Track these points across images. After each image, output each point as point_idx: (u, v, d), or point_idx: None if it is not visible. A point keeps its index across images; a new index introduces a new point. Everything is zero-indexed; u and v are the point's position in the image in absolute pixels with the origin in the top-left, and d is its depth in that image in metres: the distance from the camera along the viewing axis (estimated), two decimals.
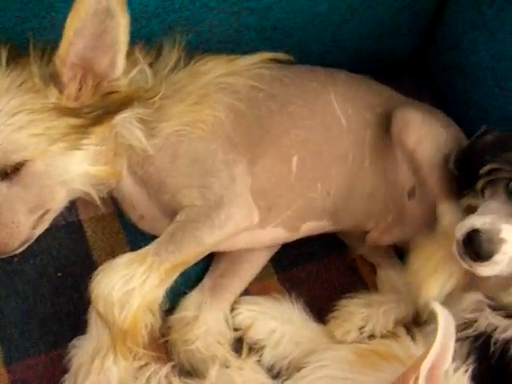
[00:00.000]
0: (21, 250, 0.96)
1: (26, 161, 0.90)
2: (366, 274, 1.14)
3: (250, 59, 1.04)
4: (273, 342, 1.01)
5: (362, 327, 1.00)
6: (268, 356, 1.00)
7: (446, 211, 1.00)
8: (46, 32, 0.97)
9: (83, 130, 0.91)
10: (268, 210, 1.00)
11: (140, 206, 1.01)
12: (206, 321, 0.99)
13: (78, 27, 0.86)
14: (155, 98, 0.95)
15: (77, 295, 1.00)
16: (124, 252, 1.01)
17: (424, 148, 1.02)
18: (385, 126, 1.06)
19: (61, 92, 0.91)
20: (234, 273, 1.05)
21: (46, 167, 0.91)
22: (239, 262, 1.06)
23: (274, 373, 0.99)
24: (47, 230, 0.99)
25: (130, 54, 0.94)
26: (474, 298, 0.94)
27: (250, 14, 1.12)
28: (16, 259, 1.01)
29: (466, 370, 0.89)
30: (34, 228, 0.95)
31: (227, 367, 0.96)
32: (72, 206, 1.05)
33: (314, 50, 1.21)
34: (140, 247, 1.01)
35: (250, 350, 1.00)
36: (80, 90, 0.92)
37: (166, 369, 0.91)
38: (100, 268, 0.89)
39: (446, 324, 0.78)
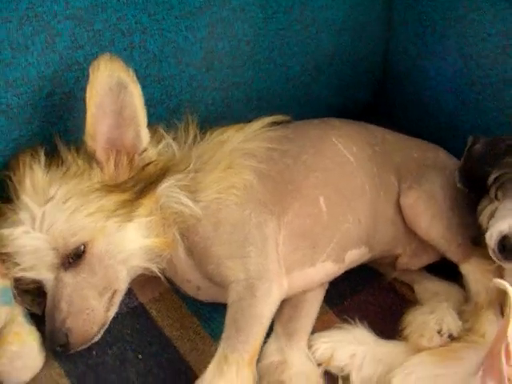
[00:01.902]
0: (99, 336, 0.98)
1: (86, 242, 0.94)
2: (406, 292, 1.20)
3: (256, 125, 1.13)
4: (357, 365, 1.03)
5: (440, 330, 1.04)
6: (356, 380, 1.02)
7: (471, 271, 1.10)
8: (70, 134, 1.03)
9: (131, 204, 0.97)
10: (313, 248, 1.07)
11: (194, 277, 1.05)
12: (294, 362, 1.01)
13: (98, 103, 0.94)
14: (189, 167, 1.03)
15: (162, 373, 0.99)
16: (192, 322, 1.06)
17: (436, 229, 1.12)
18: (387, 165, 1.16)
19: (102, 170, 0.98)
20: (299, 315, 1.08)
21: (106, 246, 0.96)
22: (300, 304, 1.09)
23: None
24: (114, 320, 1.01)
25: (153, 131, 1.03)
26: None
27: (237, 88, 1.23)
28: (94, 352, 1.00)
29: None
30: (107, 311, 0.98)
31: None
32: (130, 292, 1.07)
33: (292, 110, 1.31)
34: (204, 315, 1.06)
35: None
36: (117, 167, 0.99)
37: None
38: None
39: None
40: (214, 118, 1.21)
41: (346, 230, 1.09)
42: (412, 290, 1.20)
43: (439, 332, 1.05)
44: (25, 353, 0.93)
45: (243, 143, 1.09)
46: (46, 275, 0.95)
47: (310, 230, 1.07)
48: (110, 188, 0.96)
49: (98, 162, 0.98)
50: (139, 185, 0.98)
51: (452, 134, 1.35)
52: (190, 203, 1.00)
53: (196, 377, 0.94)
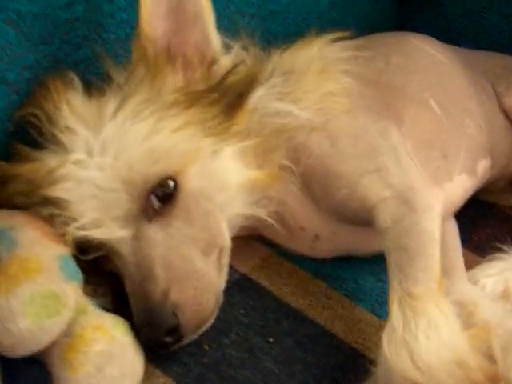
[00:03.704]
0: (215, 313, 0.60)
1: (176, 174, 0.59)
2: None
3: (322, 40, 0.79)
4: None
5: None
6: None
7: None
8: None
9: (222, 119, 0.63)
10: (444, 159, 0.77)
11: (311, 221, 0.70)
12: (474, 301, 0.67)
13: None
14: (275, 74, 0.71)
15: (309, 354, 0.61)
16: (318, 286, 0.72)
17: None
18: (475, 69, 0.90)
19: (173, 80, 0.64)
20: (446, 249, 0.73)
21: (202, 181, 0.61)
22: (443, 237, 0.74)
23: None
24: None
25: None
26: None
27: (275, 18, 0.93)
28: (206, 346, 0.60)
29: None
30: (218, 275, 0.61)
31: None
32: None
33: None
34: (329, 275, 0.73)
35: None
36: (189, 79, 0.65)
37: None
38: (386, 345, 0.56)
39: None
40: None
41: (470, 136, 0.81)
42: None
43: None
44: (117, 354, 0.52)
45: (322, 52, 0.76)
46: (119, 232, 0.57)
47: (435, 137, 0.77)
48: (190, 100, 0.61)
49: (166, 69, 0.63)
50: (225, 98, 0.63)
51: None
52: (294, 109, 0.66)
53: (351, 348, 0.63)
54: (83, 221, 0.55)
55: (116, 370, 0.52)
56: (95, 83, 0.64)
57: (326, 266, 0.72)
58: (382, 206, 0.63)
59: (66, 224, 0.55)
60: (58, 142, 0.58)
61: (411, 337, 0.54)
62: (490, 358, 0.55)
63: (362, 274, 0.72)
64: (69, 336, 0.52)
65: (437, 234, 0.62)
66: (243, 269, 0.70)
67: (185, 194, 0.59)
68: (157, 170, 0.57)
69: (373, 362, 0.59)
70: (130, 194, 0.56)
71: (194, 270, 0.57)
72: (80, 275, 0.55)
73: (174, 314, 0.55)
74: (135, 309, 0.56)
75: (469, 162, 0.79)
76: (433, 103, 0.78)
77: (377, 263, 0.74)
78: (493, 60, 0.95)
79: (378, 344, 0.63)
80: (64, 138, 0.58)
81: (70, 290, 0.52)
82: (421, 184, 0.67)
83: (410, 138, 0.73)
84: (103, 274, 0.61)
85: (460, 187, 0.77)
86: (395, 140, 0.70)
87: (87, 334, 0.52)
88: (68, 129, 0.58)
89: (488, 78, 0.90)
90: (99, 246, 0.57)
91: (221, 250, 0.61)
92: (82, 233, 0.55)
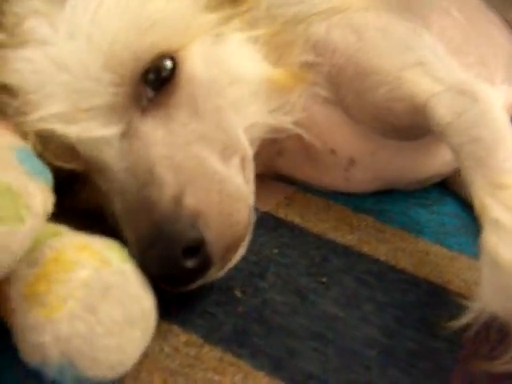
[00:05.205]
0: (250, 229, 0.40)
1: (175, 53, 0.40)
2: None
3: None
4: None
5: None
6: None
7: None
8: None
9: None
10: (483, 65, 0.62)
11: (344, 140, 0.53)
12: None
13: None
14: None
15: (379, 294, 0.42)
16: (363, 220, 0.54)
17: None
18: None
19: None
20: None
21: (207, 65, 0.43)
22: None
23: None
24: None
25: None
26: None
27: None
28: (238, 292, 0.40)
29: None
30: (246, 183, 0.42)
31: None
32: None
33: None
34: (372, 209, 0.54)
35: None
36: None
37: None
38: (495, 246, 0.37)
39: None
40: None
41: (503, 46, 0.67)
42: None
43: None
44: (116, 286, 0.32)
45: None
46: (102, 129, 0.37)
47: (466, 44, 0.62)
48: None
49: None
50: None
51: None
52: None
53: (429, 282, 0.45)
54: (42, 113, 0.36)
55: (117, 310, 0.31)
56: None
57: (366, 200, 0.54)
58: (435, 100, 0.46)
59: (23, 115, 0.36)
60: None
61: None
62: None
63: (410, 207, 0.55)
64: (34, 265, 0.31)
65: (509, 124, 0.45)
66: (264, 207, 0.51)
67: (188, 78, 0.40)
68: (149, 44, 0.38)
69: (461, 295, 0.42)
70: (115, 74, 0.37)
71: (213, 171, 0.38)
72: (49, 174, 0.34)
73: (193, 226, 0.35)
74: (134, 232, 0.36)
75: (509, 71, 0.64)
76: (455, 12, 0.64)
77: (424, 196, 0.57)
78: None
79: (459, 275, 0.46)
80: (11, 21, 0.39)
81: (37, 189, 0.32)
82: (473, 78, 0.51)
83: (442, 43, 0.58)
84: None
85: (505, 99, 0.62)
86: (429, 39, 0.55)
87: (66, 255, 0.31)
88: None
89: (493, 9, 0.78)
90: (70, 155, 0.38)
91: (242, 159, 0.43)
92: (50, 124, 0.36)
